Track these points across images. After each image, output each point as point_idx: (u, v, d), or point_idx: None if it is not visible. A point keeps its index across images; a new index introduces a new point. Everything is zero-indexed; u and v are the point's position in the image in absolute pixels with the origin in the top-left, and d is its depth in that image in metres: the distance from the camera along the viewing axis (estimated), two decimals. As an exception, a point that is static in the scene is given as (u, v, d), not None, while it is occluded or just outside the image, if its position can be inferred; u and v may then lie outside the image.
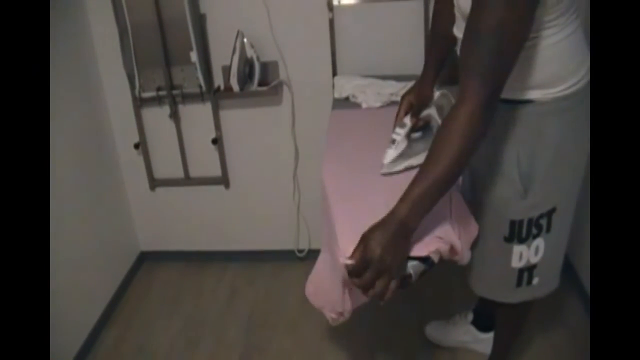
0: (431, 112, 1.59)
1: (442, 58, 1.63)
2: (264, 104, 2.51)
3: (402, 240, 1.20)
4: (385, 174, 1.52)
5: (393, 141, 1.50)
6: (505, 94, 1.25)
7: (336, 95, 2.22)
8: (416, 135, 1.57)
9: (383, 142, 1.56)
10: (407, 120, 1.52)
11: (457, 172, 1.20)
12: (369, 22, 2.31)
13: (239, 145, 2.64)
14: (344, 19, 2.33)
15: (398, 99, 2.01)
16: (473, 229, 1.48)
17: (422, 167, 1.20)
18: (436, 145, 1.19)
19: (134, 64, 2.50)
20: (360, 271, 1.18)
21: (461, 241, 1.34)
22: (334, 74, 2.39)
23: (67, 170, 2.31)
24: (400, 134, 1.50)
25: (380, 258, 1.15)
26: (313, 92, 2.46)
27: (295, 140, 2.57)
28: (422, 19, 2.21)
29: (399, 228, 1.18)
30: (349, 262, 1.18)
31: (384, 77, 2.22)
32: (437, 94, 1.62)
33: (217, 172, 2.70)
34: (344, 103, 2.17)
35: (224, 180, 2.71)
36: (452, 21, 1.47)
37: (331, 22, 2.32)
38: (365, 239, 1.19)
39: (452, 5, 1.46)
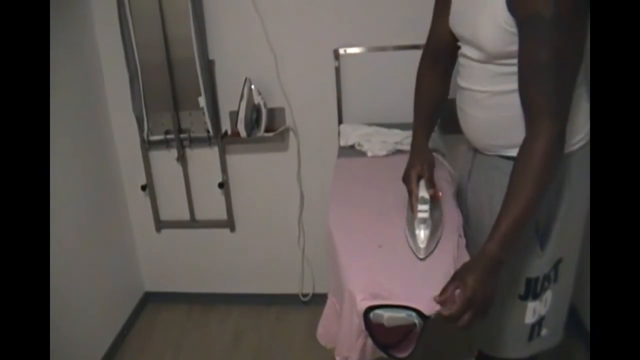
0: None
1: (434, 120, 1.64)
2: (271, 149, 2.53)
3: (493, 276, 1.23)
4: (425, 258, 1.39)
5: (422, 220, 1.40)
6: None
7: (342, 143, 2.23)
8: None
9: (388, 190, 1.58)
10: (425, 193, 1.45)
11: (539, 205, 1.23)
12: (374, 71, 2.35)
13: (245, 189, 2.65)
14: (350, 67, 2.36)
15: (403, 147, 2.04)
16: None
17: (505, 205, 1.23)
18: (516, 183, 1.22)
19: (143, 107, 2.53)
20: (458, 309, 1.18)
21: None
22: (340, 121, 2.40)
23: (74, 209, 2.33)
24: (425, 210, 1.42)
25: (475, 294, 1.17)
26: (319, 138, 2.48)
27: (301, 185, 2.58)
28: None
29: (492, 266, 1.22)
30: (437, 299, 1.20)
31: (389, 125, 2.23)
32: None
33: (222, 215, 2.71)
34: (350, 151, 2.18)
35: (229, 223, 2.72)
36: (441, 82, 1.56)
37: (337, 70, 2.35)
38: (460, 278, 1.20)
39: (440, 63, 1.52)
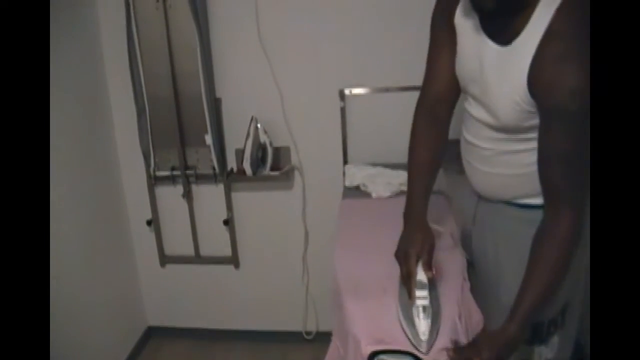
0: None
1: (429, 186, 1.50)
2: (276, 187, 2.55)
3: (510, 353, 1.26)
4: (428, 350, 1.24)
5: (424, 309, 1.25)
6: (535, 200, 1.31)
7: (347, 184, 2.23)
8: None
9: (393, 233, 1.48)
10: (423, 277, 1.30)
11: (559, 285, 1.27)
12: (379, 111, 2.37)
13: (250, 226, 2.66)
14: (355, 107, 2.38)
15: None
16: (478, 320, 1.45)
17: (525, 288, 1.25)
18: (537, 266, 1.25)
19: (150, 143, 2.56)
20: None
21: (467, 333, 1.33)
22: (345, 161, 2.42)
23: (79, 241, 2.35)
24: (425, 296, 1.27)
25: None
26: (324, 178, 2.49)
27: (306, 224, 2.58)
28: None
29: (511, 344, 1.25)
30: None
31: (394, 166, 2.23)
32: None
33: (227, 252, 2.71)
34: (355, 192, 2.18)
35: (233, 260, 2.72)
36: (438, 144, 1.48)
37: (342, 111, 2.38)
38: (477, 348, 1.22)
39: (439, 119, 1.48)
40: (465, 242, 1.65)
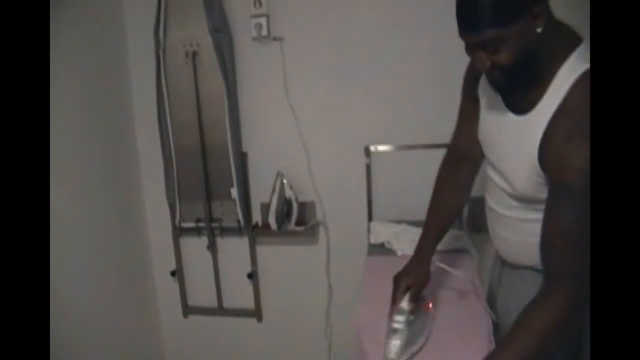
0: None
1: (444, 230, 1.60)
2: (300, 242, 2.54)
3: None
4: None
5: (394, 331, 1.40)
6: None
7: (372, 241, 2.22)
8: (411, 317, 1.46)
9: None
10: (405, 305, 1.44)
11: (536, 356, 1.23)
12: (404, 169, 2.36)
13: (274, 280, 2.66)
14: (380, 164, 2.38)
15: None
16: None
17: (500, 349, 1.25)
18: (519, 328, 1.22)
19: (176, 195, 2.59)
20: None
21: None
22: (370, 217, 2.41)
23: (103, 290, 2.36)
24: (401, 321, 1.41)
25: None
26: (348, 233, 2.48)
27: (330, 279, 2.57)
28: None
29: None
30: None
31: (419, 224, 2.21)
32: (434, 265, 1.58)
33: (250, 305, 2.70)
34: (380, 249, 2.17)
35: (257, 313, 2.70)
36: (461, 191, 1.54)
37: (368, 167, 2.37)
38: None
39: (464, 167, 1.51)
40: (491, 302, 1.64)
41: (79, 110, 2.22)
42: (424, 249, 1.57)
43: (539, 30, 1.12)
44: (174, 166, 2.55)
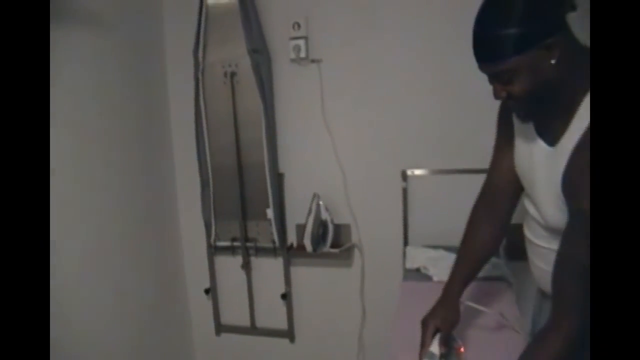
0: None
1: (474, 272, 1.53)
2: (335, 265, 2.53)
3: None
4: None
5: None
6: None
7: (408, 266, 2.20)
8: None
9: None
10: (435, 350, 1.37)
11: None
12: (441, 193, 2.34)
13: (308, 301, 2.65)
14: (416, 188, 2.36)
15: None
16: None
17: None
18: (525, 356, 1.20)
19: (212, 214, 2.61)
20: None
21: None
22: (405, 241, 2.39)
23: (137, 307, 2.39)
24: None
25: None
26: (383, 257, 2.46)
27: (364, 302, 2.55)
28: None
29: None
30: None
31: (455, 249, 2.19)
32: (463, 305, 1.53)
33: (283, 325, 2.69)
34: (415, 274, 2.15)
35: (289, 334, 2.70)
36: (496, 228, 1.48)
37: (404, 191, 2.36)
38: None
39: (498, 207, 1.47)
40: (534, 333, 1.60)
41: (118, 130, 2.27)
42: (452, 289, 1.50)
43: (553, 61, 1.10)
44: (211, 185, 2.58)
